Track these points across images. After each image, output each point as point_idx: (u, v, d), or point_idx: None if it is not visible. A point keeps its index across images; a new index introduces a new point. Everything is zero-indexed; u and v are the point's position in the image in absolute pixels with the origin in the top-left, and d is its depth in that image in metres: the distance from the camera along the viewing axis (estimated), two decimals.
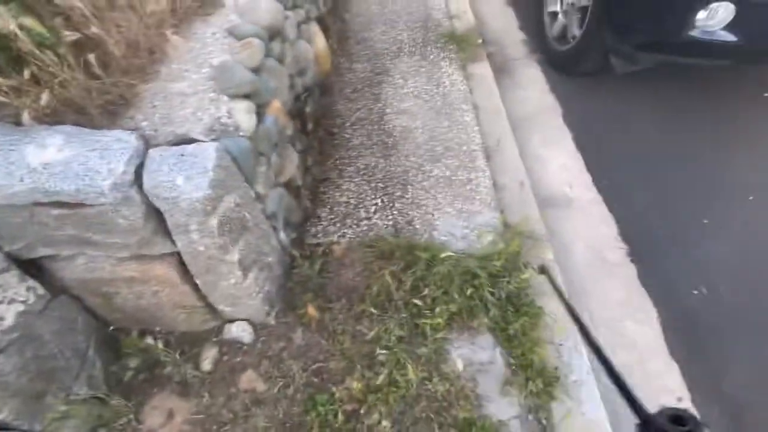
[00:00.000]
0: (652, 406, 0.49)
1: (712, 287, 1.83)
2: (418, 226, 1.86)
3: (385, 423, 1.33)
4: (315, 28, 2.35)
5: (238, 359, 1.52)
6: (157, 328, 1.53)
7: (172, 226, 1.10)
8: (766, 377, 1.61)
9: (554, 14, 2.85)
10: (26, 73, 1.00)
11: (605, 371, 0.56)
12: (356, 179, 2.09)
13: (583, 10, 2.47)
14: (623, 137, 2.47)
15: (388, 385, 1.41)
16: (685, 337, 1.72)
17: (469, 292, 1.57)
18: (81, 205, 0.97)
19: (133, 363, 1.49)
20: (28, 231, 1.06)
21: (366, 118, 2.43)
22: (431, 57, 2.87)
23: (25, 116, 1.00)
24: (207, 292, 1.36)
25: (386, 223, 1.89)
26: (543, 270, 1.29)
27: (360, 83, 2.67)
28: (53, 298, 1.24)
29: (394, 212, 1.93)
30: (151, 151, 1.07)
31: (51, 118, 1.05)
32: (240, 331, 1.55)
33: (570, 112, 2.67)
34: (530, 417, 1.36)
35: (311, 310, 1.58)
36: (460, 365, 1.47)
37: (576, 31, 2.59)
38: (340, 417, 1.34)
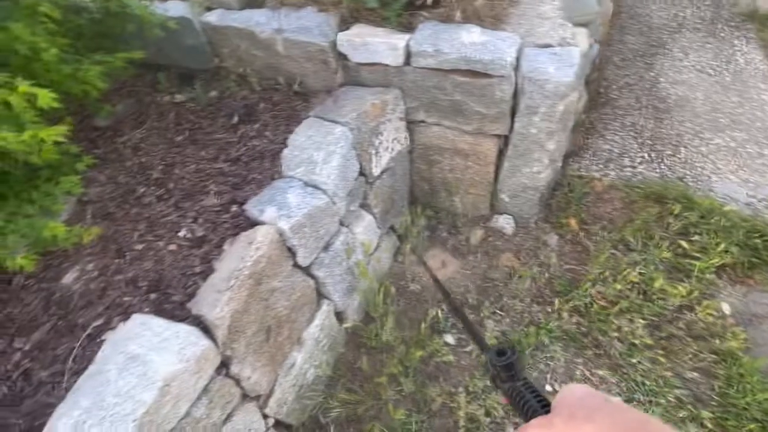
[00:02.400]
0: None
1: None
2: (690, 183, 1.86)
3: (638, 328, 1.48)
4: None
5: (500, 243, 1.88)
6: (444, 204, 2.00)
7: (524, 107, 1.47)
8: None
9: None
10: None
11: (455, 315, 0.55)
12: (621, 133, 2.18)
13: None
14: None
15: (643, 299, 1.54)
16: None
17: (749, 247, 1.54)
18: (481, 75, 1.42)
19: (422, 222, 2.00)
20: (427, 94, 1.59)
21: (635, 84, 2.46)
22: (721, 34, 2.65)
23: (458, 15, 1.50)
24: (503, 177, 1.73)
25: (652, 174, 1.95)
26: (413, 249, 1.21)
27: (630, 53, 2.69)
28: (408, 152, 1.79)
29: (663, 167, 1.97)
30: (525, 48, 1.44)
31: (465, 20, 1.53)
32: (505, 223, 1.90)
33: None
34: None
35: (572, 222, 1.81)
36: (726, 308, 1.48)
37: None
38: (595, 307, 1.55)
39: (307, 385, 1.42)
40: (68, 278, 1.23)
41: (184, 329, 0.98)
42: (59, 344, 1.07)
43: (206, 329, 1.02)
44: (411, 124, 1.75)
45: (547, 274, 1.71)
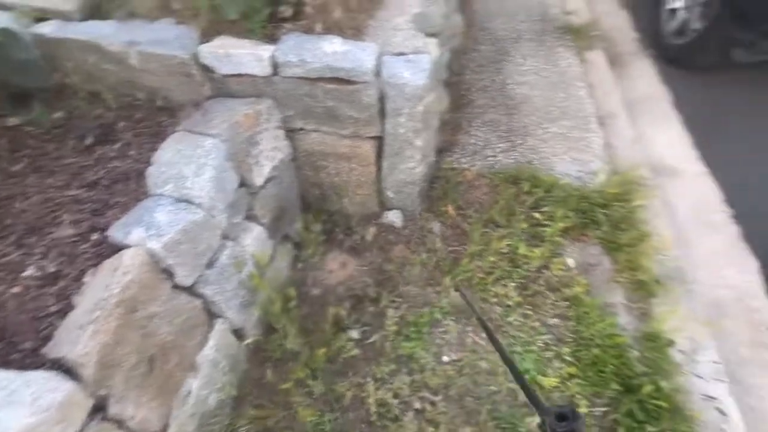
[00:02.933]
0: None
1: None
2: (537, 165, 2.23)
3: (510, 291, 1.72)
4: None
5: (392, 237, 2.01)
6: (335, 207, 2.06)
7: (390, 110, 1.61)
8: None
9: (674, 10, 3.06)
10: (320, 1, 1.58)
11: (511, 372, 0.59)
12: (483, 128, 2.51)
13: (706, 3, 2.68)
14: (734, 121, 2.63)
15: (512, 266, 1.79)
16: None
17: (582, 212, 1.91)
18: (347, 82, 1.51)
19: (318, 228, 2.03)
20: (301, 102, 1.63)
21: (490, 86, 2.85)
22: (548, 44, 3.23)
23: (318, 27, 1.58)
24: (385, 175, 1.86)
25: (509, 161, 2.28)
26: (457, 288, 1.58)
27: (484, 60, 3.11)
28: (289, 162, 1.82)
29: (516, 154, 2.32)
30: (384, 56, 1.59)
31: (327, 32, 1.62)
32: (394, 218, 2.04)
33: (680, 99, 2.87)
34: (633, 305, 1.66)
35: (450, 210, 2.02)
36: (571, 263, 1.81)
37: (697, 25, 2.80)
38: (476, 279, 1.76)
39: (210, 412, 1.34)
40: None
41: (38, 376, 0.86)
42: None
43: (69, 371, 0.90)
44: (291, 132, 1.77)
45: (435, 258, 1.88)
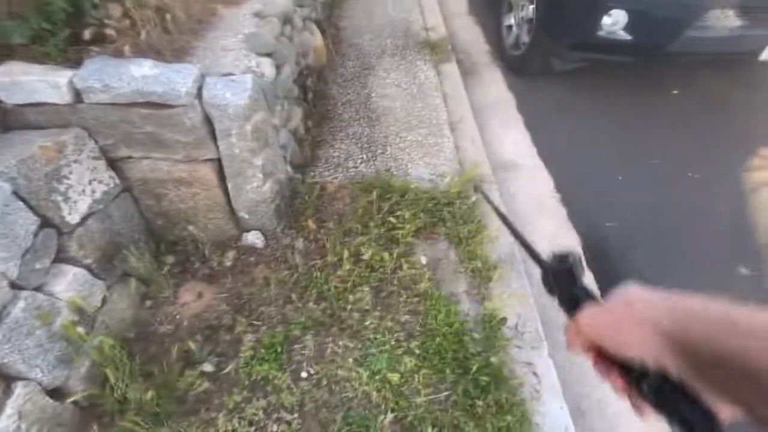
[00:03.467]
0: None
1: (617, 219, 2.38)
2: (395, 173, 2.37)
3: (366, 296, 1.78)
4: (314, 27, 2.92)
5: (253, 258, 1.96)
6: (188, 235, 1.96)
7: (219, 132, 1.58)
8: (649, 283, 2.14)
9: (510, 26, 3.51)
10: (128, 22, 1.50)
11: (512, 235, 0.62)
12: (346, 141, 2.60)
13: (530, 21, 3.13)
14: (562, 120, 3.08)
15: (369, 271, 1.87)
16: (599, 256, 2.24)
17: (431, 212, 2.07)
18: (163, 106, 1.45)
19: (170, 260, 1.91)
20: (118, 129, 1.52)
21: (354, 100, 2.97)
22: (409, 58, 3.47)
23: (126, 49, 1.49)
24: (234, 197, 1.82)
25: (370, 170, 2.39)
26: (476, 188, 1.73)
27: (350, 75, 3.24)
28: (122, 191, 1.68)
29: (376, 163, 2.44)
30: (207, 78, 1.56)
31: (138, 54, 1.54)
32: (254, 239, 2.00)
33: (522, 102, 3.29)
34: (474, 291, 1.83)
35: (311, 224, 2.04)
36: (423, 260, 1.94)
37: (525, 39, 3.24)
38: (333, 290, 1.79)
39: None
40: None
41: None
42: None
43: None
44: (117, 162, 1.64)
45: (295, 275, 1.88)
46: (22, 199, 1.27)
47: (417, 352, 1.61)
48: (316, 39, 2.88)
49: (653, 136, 2.90)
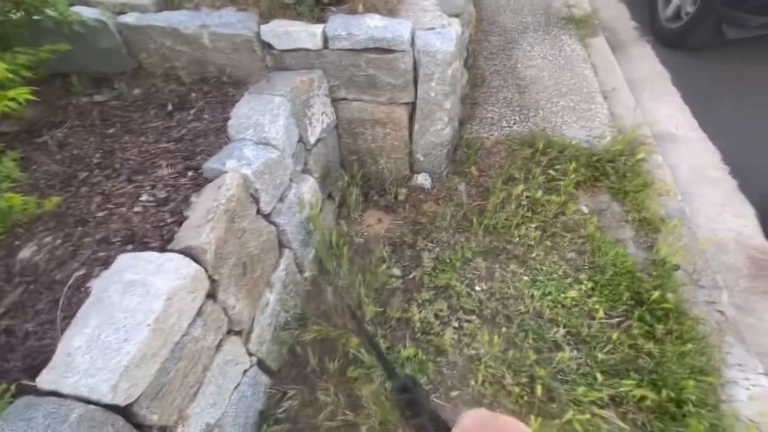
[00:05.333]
0: None
1: None
2: (549, 132, 2.48)
3: (532, 232, 1.95)
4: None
5: (422, 196, 2.25)
6: (371, 172, 2.31)
7: (422, 76, 1.87)
8: None
9: None
10: None
11: (375, 355, 0.63)
12: (497, 105, 2.77)
13: None
14: (725, 94, 2.87)
15: (532, 213, 2.02)
16: None
17: (593, 167, 2.15)
18: (387, 51, 1.78)
19: (356, 191, 2.29)
20: (345, 72, 1.90)
21: (501, 70, 3.12)
22: (553, 33, 3.50)
23: (360, 8, 1.86)
24: (416, 139, 2.12)
25: (523, 130, 2.53)
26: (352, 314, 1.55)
27: (494, 49, 3.39)
28: (335, 127, 2.08)
29: (530, 124, 2.58)
30: (417, 30, 1.86)
31: (367, 12, 1.90)
32: (423, 180, 2.29)
33: (678, 77, 3.12)
34: (641, 239, 1.88)
35: (473, 170, 2.27)
36: (585, 209, 2.04)
37: (690, 8, 3.06)
38: (500, 226, 1.99)
39: (281, 326, 1.58)
40: (25, 253, 1.24)
41: (176, 256, 1.11)
42: (38, 300, 1.10)
43: (194, 257, 1.15)
44: (335, 102, 2.04)
45: (462, 211, 2.12)
46: (293, 116, 1.69)
47: (586, 283, 1.73)
48: (474, 12, 3.09)
49: None
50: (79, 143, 1.71)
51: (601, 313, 1.59)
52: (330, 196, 2.14)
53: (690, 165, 2.49)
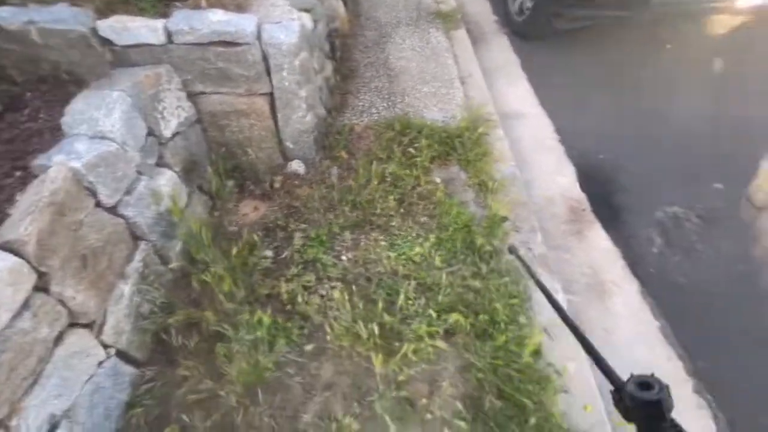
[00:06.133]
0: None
1: (609, 153, 2.71)
2: (412, 116, 2.75)
3: (391, 204, 2.18)
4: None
5: (297, 182, 2.38)
6: (244, 162, 2.38)
7: (273, 66, 1.99)
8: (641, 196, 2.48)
9: None
10: None
11: (583, 347, 0.58)
12: (369, 94, 2.99)
13: None
14: (561, 75, 3.42)
15: (393, 188, 2.26)
16: (591, 180, 2.59)
17: (444, 143, 2.45)
18: (233, 44, 1.86)
19: (230, 183, 2.34)
20: (196, 66, 1.95)
21: (374, 62, 3.36)
22: (422, 27, 3.83)
23: (203, 3, 1.91)
24: (282, 127, 2.24)
25: (390, 115, 2.78)
26: (511, 250, 1.50)
27: (369, 42, 3.62)
28: (196, 121, 2.12)
29: (396, 110, 2.83)
30: (264, 24, 1.97)
31: (211, 7, 1.96)
32: (297, 167, 2.41)
33: (526, 62, 3.62)
34: (479, 200, 2.20)
35: (343, 154, 2.45)
36: (438, 180, 2.33)
37: (528, 4, 3.57)
38: (364, 201, 2.19)
39: (144, 316, 1.60)
40: None
41: None
42: None
43: (15, 251, 1.15)
44: (193, 96, 2.08)
45: (333, 192, 2.29)
46: (137, 111, 1.70)
47: (433, 240, 2.00)
48: (340, 8, 3.27)
49: (646, 85, 3.21)
50: None
51: (438, 262, 1.86)
52: (201, 189, 2.17)
53: (531, 137, 2.94)
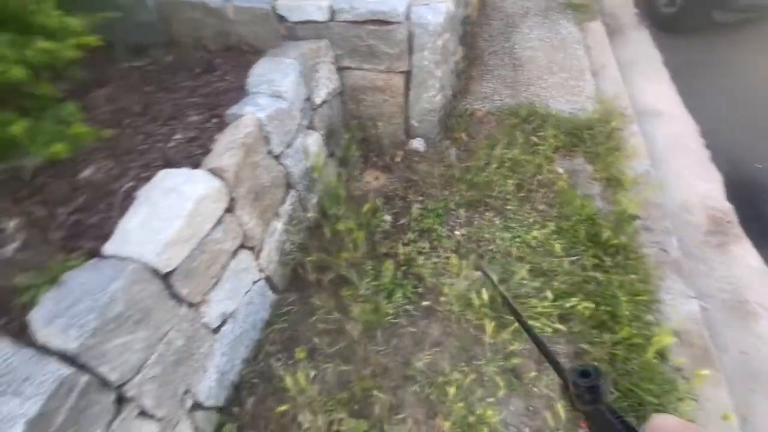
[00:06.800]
0: None
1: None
2: (537, 106, 2.70)
3: (509, 188, 2.19)
4: None
5: (416, 158, 2.51)
6: (371, 135, 2.58)
7: (416, 46, 2.13)
8: None
9: None
10: None
11: (531, 339, 0.61)
12: (492, 81, 3.00)
13: None
14: (711, 75, 3.04)
15: (511, 173, 2.27)
16: (742, 191, 2.28)
17: (572, 134, 2.37)
18: (384, 22, 2.05)
19: (357, 152, 2.57)
20: (348, 42, 2.18)
21: (499, 51, 3.34)
22: (552, 17, 3.69)
23: None
24: (411, 105, 2.38)
25: (514, 102, 2.76)
26: (476, 265, 1.73)
27: (495, 32, 3.60)
28: (339, 93, 2.36)
29: (521, 98, 2.80)
30: (412, 5, 2.11)
31: None
32: (418, 144, 2.55)
33: (668, 58, 3.30)
34: (607, 195, 2.10)
35: (463, 136, 2.52)
36: (560, 170, 2.27)
37: None
38: (482, 183, 2.24)
39: (286, 252, 1.88)
40: (85, 173, 1.56)
41: (204, 173, 1.41)
42: (98, 203, 1.42)
43: (217, 176, 1.45)
44: (340, 70, 2.32)
45: (450, 171, 2.38)
46: (302, 77, 1.97)
47: (553, 228, 1.97)
48: None
49: None
50: (123, 98, 2.03)
51: (558, 249, 1.83)
52: (333, 155, 2.42)
53: (669, 137, 2.68)
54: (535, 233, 1.92)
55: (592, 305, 1.60)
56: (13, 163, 1.53)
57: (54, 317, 1.01)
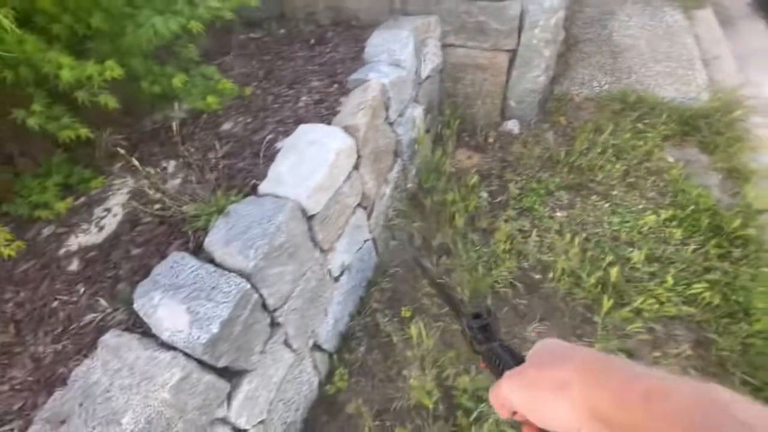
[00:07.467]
0: None
1: None
2: (641, 94, 2.57)
3: (615, 173, 2.11)
4: None
5: (510, 140, 2.49)
6: (465, 114, 2.59)
7: (528, 23, 2.10)
8: None
9: None
10: None
11: (437, 292, 0.61)
12: (589, 68, 2.89)
13: None
14: None
15: (616, 159, 2.18)
16: None
17: (684, 122, 2.24)
18: None
19: (449, 131, 2.58)
20: (458, 18, 2.20)
21: (595, 38, 3.20)
22: (654, 4, 3.48)
23: None
24: (512, 85, 2.36)
25: (615, 89, 2.65)
26: (415, 259, 1.73)
27: (588, 19, 3.46)
28: (440, 71, 2.39)
29: (621, 85, 2.68)
30: None
31: None
32: (512, 126, 2.52)
33: None
34: (727, 187, 1.97)
35: (561, 119, 2.45)
36: (671, 158, 2.15)
37: None
38: (584, 166, 2.18)
39: (389, 218, 1.94)
40: (226, 126, 1.71)
41: (339, 129, 1.50)
42: (243, 151, 1.55)
43: (350, 133, 1.53)
44: (444, 47, 2.34)
45: (547, 153, 2.33)
46: (415, 50, 2.02)
47: (664, 215, 1.88)
48: None
49: None
50: (245, 65, 2.19)
51: (678, 235, 1.74)
52: (428, 131, 2.46)
53: None
54: (648, 220, 1.84)
55: (719, 295, 1.51)
56: (167, 112, 1.71)
57: (230, 240, 1.13)
